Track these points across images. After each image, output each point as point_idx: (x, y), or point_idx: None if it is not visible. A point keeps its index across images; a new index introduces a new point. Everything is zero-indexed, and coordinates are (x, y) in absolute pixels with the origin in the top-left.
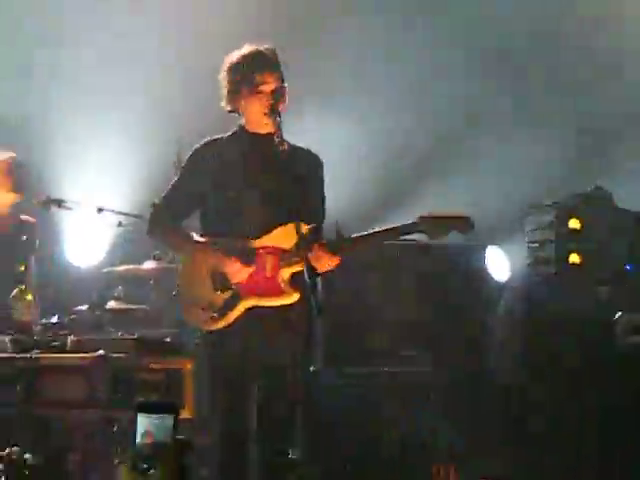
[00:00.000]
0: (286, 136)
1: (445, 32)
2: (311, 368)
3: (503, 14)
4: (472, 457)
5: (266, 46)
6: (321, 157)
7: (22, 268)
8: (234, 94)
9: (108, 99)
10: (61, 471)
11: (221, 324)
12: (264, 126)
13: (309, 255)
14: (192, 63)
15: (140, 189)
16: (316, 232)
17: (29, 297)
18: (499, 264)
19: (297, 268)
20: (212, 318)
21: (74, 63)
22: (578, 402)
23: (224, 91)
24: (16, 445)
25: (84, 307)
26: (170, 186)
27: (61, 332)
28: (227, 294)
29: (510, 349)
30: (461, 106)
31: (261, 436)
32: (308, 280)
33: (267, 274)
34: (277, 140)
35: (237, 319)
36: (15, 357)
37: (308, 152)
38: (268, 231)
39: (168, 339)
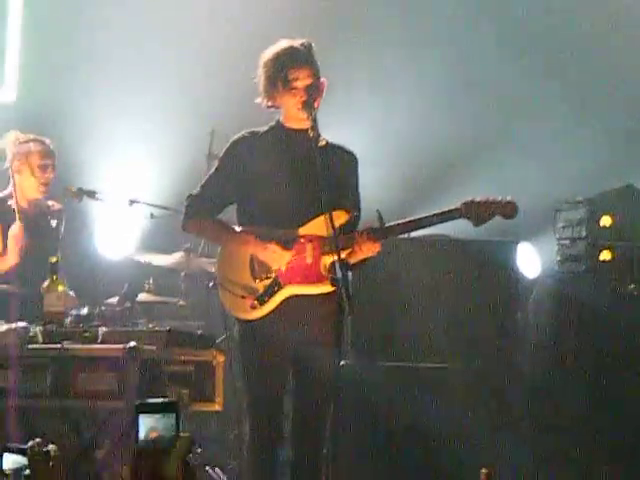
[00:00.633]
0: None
1: (476, 28)
2: (342, 362)
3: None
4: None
5: (301, 41)
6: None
7: (54, 259)
8: (270, 90)
9: (141, 90)
10: (90, 463)
11: (262, 312)
12: (300, 121)
13: (351, 244)
14: (227, 55)
15: (172, 181)
16: (354, 222)
17: (61, 288)
18: (530, 261)
19: (335, 257)
20: (252, 306)
21: (108, 56)
22: (609, 399)
23: (260, 87)
24: (44, 436)
25: (115, 299)
26: (206, 178)
27: (92, 324)
28: (267, 281)
29: (540, 346)
30: (493, 102)
31: (295, 430)
32: (341, 275)
33: (308, 261)
34: (312, 135)
35: (277, 307)
36: (46, 348)
37: (344, 148)
38: (306, 222)
39: (199, 331)
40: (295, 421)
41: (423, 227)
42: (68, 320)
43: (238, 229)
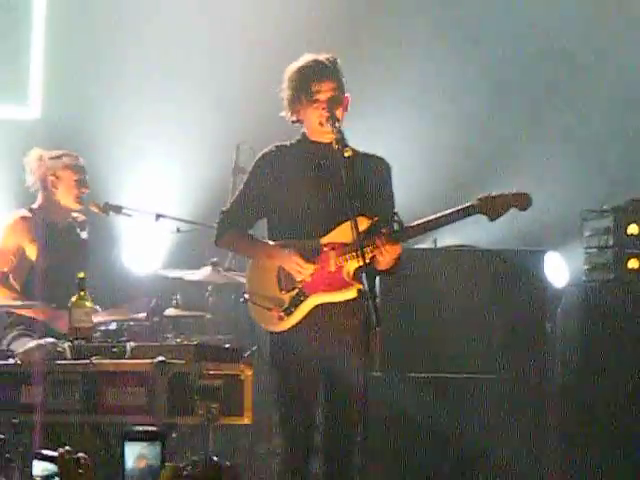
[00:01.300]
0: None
1: (508, 28)
2: (371, 374)
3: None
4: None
5: (325, 55)
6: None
7: (82, 274)
8: (294, 104)
9: (167, 105)
10: (120, 478)
11: (289, 323)
12: (323, 135)
13: (371, 248)
14: (253, 69)
15: (198, 195)
16: (378, 226)
17: (88, 304)
18: (558, 270)
19: (360, 262)
20: (280, 317)
21: (133, 71)
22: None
23: (285, 101)
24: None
25: (142, 314)
26: (237, 193)
27: (120, 339)
28: (293, 292)
29: (569, 355)
30: (522, 109)
31: (326, 442)
32: (366, 285)
33: (331, 268)
34: (337, 147)
35: (304, 318)
36: (74, 364)
37: (373, 156)
38: (330, 231)
39: (227, 345)
40: (326, 433)
41: (441, 226)
42: (96, 335)
43: (269, 242)
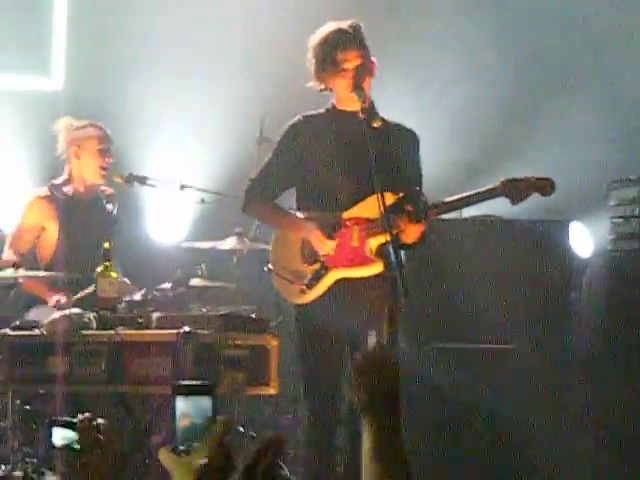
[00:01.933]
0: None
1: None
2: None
3: None
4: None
5: (349, 22)
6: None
7: (107, 245)
8: (320, 73)
9: (190, 74)
10: (145, 448)
11: (311, 296)
12: (352, 103)
13: (395, 227)
14: (277, 37)
15: (222, 166)
16: (404, 201)
17: (114, 274)
18: (583, 240)
19: (383, 238)
20: (302, 290)
21: (155, 41)
22: None
23: (311, 70)
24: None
25: (167, 284)
26: (265, 162)
27: (146, 309)
28: (315, 266)
29: (596, 325)
30: (541, 75)
31: (352, 415)
32: (393, 257)
33: (354, 244)
34: (364, 116)
35: (326, 291)
36: (100, 334)
37: (402, 127)
38: (354, 204)
39: (253, 315)
40: (351, 404)
41: (464, 206)
42: (122, 306)
43: (296, 213)
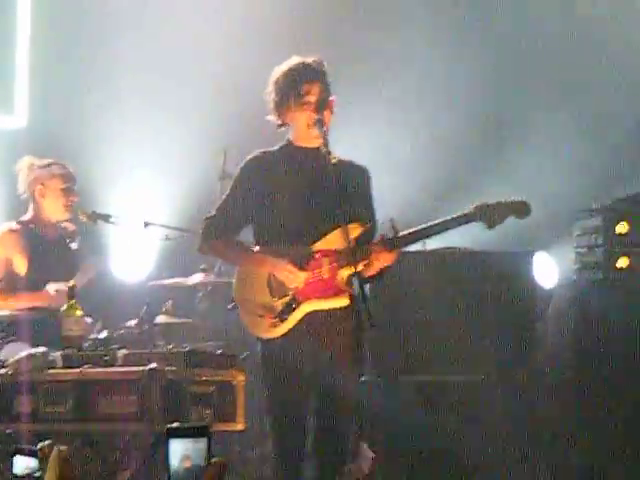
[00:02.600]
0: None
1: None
2: (363, 379)
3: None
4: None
5: (312, 58)
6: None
7: (71, 283)
8: (280, 107)
9: (152, 111)
10: None
11: (282, 329)
12: (311, 139)
13: (367, 255)
14: (238, 73)
15: (186, 202)
16: (369, 234)
17: (79, 312)
18: (547, 270)
19: (353, 269)
20: (273, 324)
21: (120, 76)
22: (628, 408)
23: (271, 104)
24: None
25: (133, 322)
26: (222, 200)
27: (111, 347)
28: (285, 299)
29: (560, 356)
30: (504, 108)
31: (317, 447)
32: (359, 289)
33: (325, 275)
34: (323, 152)
35: (297, 324)
36: (65, 372)
37: (355, 164)
38: (321, 237)
39: (219, 351)
40: (317, 439)
41: (437, 233)
42: (87, 344)
43: (255, 249)
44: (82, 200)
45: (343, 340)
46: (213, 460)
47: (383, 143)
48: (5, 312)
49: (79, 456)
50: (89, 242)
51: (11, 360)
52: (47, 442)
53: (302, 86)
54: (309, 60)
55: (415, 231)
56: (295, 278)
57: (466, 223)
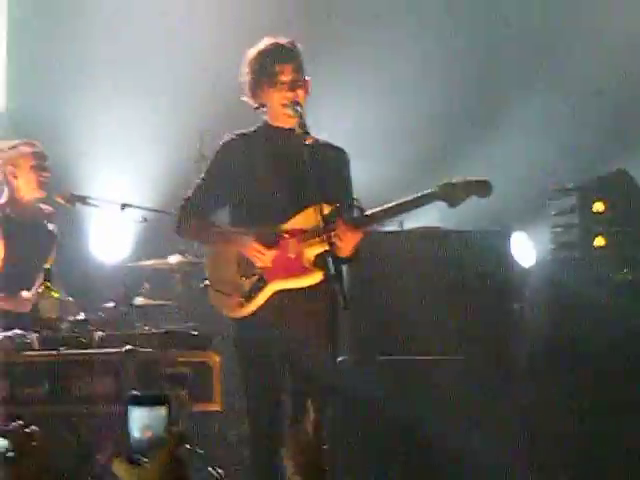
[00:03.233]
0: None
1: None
2: (339, 358)
3: None
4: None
5: (285, 39)
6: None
7: (48, 265)
8: (255, 87)
9: (129, 93)
10: (91, 467)
11: (249, 309)
12: (286, 119)
13: (333, 233)
14: (214, 55)
15: (163, 184)
16: (339, 213)
17: (55, 294)
18: (524, 250)
19: (320, 248)
20: (239, 303)
21: (97, 58)
22: (604, 389)
23: (246, 85)
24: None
25: (110, 304)
26: (197, 182)
27: (88, 328)
28: (253, 279)
29: (536, 335)
30: (481, 88)
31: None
32: (332, 269)
33: (291, 255)
34: (299, 132)
35: (265, 304)
36: (42, 354)
37: (333, 145)
38: (292, 218)
39: (195, 332)
40: (293, 419)
41: (401, 213)
42: (64, 326)
43: (227, 228)
44: (60, 183)
45: (315, 320)
46: (172, 429)
47: (359, 124)
48: None
49: (54, 438)
50: (68, 225)
51: None
52: (19, 422)
53: (275, 66)
54: (282, 41)
55: (379, 211)
56: (262, 257)
57: (430, 202)
